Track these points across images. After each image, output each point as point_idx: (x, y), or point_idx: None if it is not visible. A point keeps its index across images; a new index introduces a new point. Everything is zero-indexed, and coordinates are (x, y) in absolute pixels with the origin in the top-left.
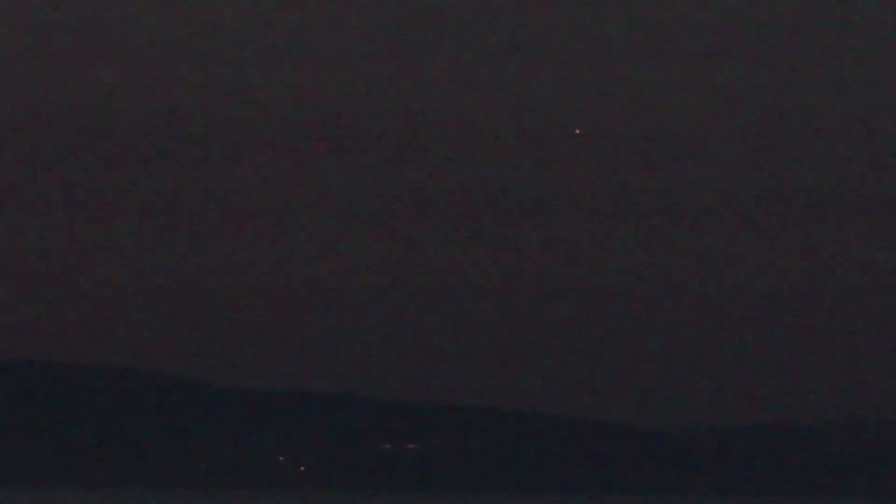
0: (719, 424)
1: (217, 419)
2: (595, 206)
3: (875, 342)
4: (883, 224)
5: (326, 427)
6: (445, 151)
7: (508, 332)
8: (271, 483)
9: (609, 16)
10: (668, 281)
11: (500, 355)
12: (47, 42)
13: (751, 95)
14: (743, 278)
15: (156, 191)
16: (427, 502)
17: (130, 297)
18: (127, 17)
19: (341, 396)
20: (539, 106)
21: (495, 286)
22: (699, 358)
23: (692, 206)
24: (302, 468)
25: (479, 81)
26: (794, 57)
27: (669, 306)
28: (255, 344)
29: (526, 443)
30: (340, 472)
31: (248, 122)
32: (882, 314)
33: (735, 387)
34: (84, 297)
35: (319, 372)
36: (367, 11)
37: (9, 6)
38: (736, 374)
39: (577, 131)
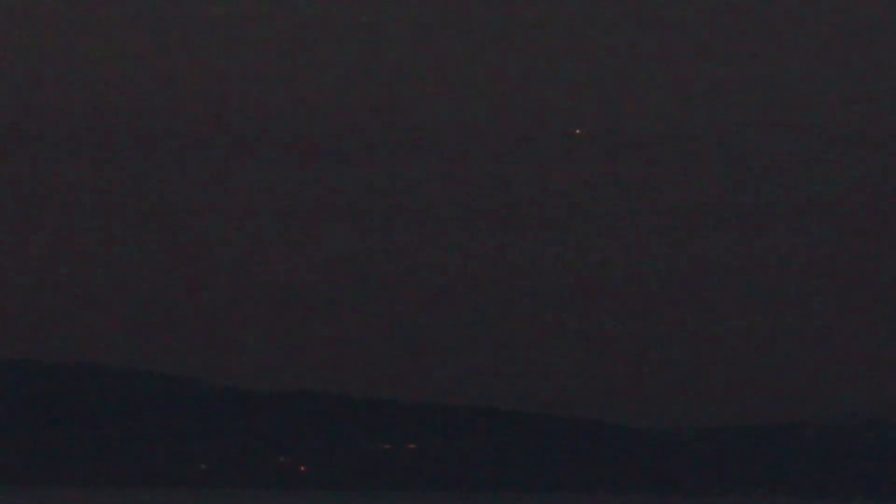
0: (719, 424)
1: (217, 419)
2: (595, 206)
3: (875, 342)
4: (884, 222)
5: (326, 427)
6: (445, 151)
7: (508, 332)
8: (271, 483)
9: (609, 16)
10: (668, 281)
11: (500, 355)
12: (47, 42)
13: (750, 96)
14: (743, 278)
15: (156, 191)
16: (427, 502)
17: (130, 297)
18: (127, 17)
19: (341, 396)
20: (539, 106)
21: (495, 286)
22: (699, 358)
23: (692, 205)
24: (302, 468)
25: (479, 81)
26: (792, 56)
27: (669, 306)
28: (255, 344)
29: (526, 443)
30: (340, 472)
31: (249, 122)
32: (882, 314)
33: (735, 387)
34: (84, 297)
35: (319, 372)
36: (366, 11)
37: (8, 6)
38: (736, 374)
39: (578, 131)
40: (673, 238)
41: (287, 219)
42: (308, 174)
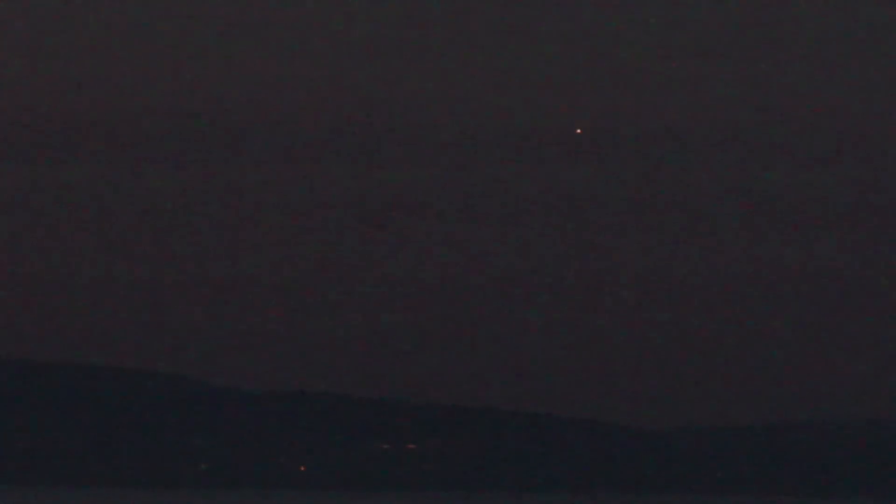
0: (719, 424)
1: (217, 419)
2: (595, 206)
3: (875, 342)
4: (884, 222)
5: (326, 427)
6: (445, 151)
7: (508, 332)
8: (271, 483)
9: (609, 16)
10: (668, 281)
11: (500, 355)
12: (47, 42)
13: (751, 96)
14: (744, 278)
15: (156, 191)
16: (427, 502)
17: (130, 297)
18: (127, 17)
19: (341, 396)
20: (539, 106)
21: (495, 286)
22: (699, 358)
23: (693, 205)
24: (302, 468)
25: (480, 82)
26: (793, 57)
27: (669, 306)
28: (255, 344)
29: (526, 443)
30: (340, 472)
31: (250, 121)
32: (881, 314)
33: (735, 387)
34: (83, 297)
35: (319, 372)
36: (367, 12)
37: (9, 6)
38: (736, 374)
39: (578, 131)
40: (673, 238)
41: (286, 218)
42: (308, 174)
